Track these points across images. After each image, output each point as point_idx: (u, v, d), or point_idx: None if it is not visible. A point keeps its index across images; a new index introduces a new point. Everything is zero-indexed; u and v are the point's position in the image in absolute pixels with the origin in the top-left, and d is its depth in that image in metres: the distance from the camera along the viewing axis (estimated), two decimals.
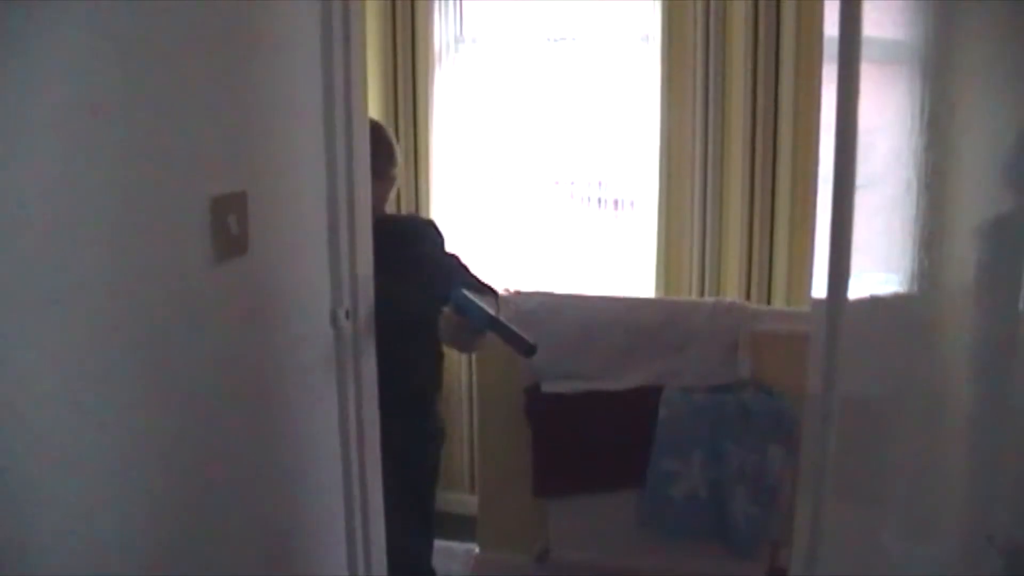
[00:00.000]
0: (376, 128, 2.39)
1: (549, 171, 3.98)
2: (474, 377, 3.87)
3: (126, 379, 1.54)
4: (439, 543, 3.68)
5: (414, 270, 2.42)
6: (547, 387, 3.19)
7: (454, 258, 2.60)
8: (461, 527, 3.69)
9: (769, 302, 3.61)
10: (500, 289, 2.42)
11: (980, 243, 1.64)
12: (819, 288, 1.84)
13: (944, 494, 1.23)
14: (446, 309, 2.21)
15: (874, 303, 1.67)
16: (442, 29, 3.89)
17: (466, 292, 2.18)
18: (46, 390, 1.36)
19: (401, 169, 2.74)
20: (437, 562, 3.54)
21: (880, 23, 1.61)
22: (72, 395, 1.41)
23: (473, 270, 2.55)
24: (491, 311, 2.13)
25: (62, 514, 1.40)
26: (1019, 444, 0.98)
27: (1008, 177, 1.54)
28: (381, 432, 2.43)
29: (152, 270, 1.58)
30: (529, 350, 2.10)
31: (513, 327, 2.12)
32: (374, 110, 3.79)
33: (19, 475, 1.32)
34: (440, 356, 2.72)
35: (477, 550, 3.40)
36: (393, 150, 2.59)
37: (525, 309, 3.15)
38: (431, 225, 2.66)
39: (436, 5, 3.86)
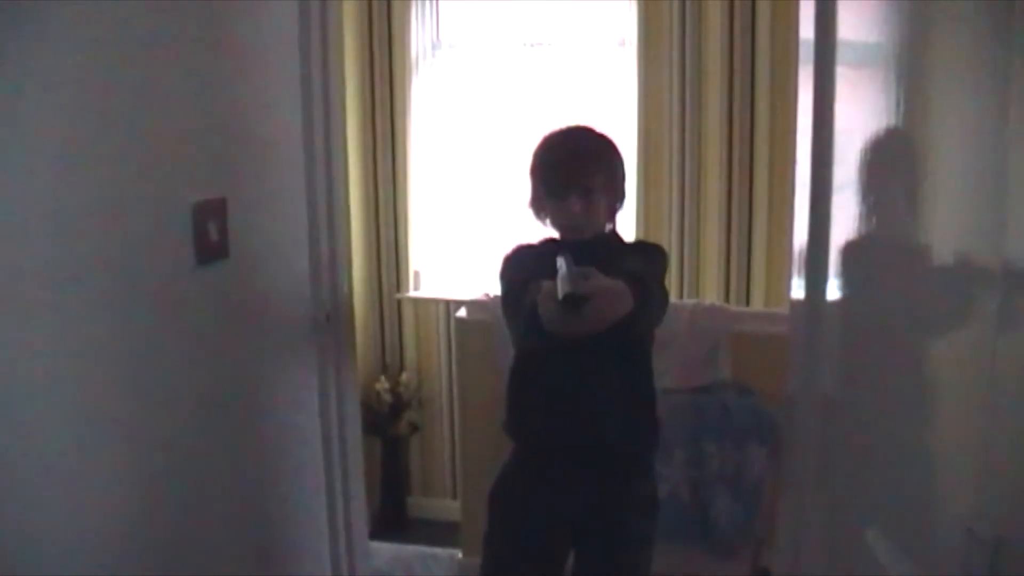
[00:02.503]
0: (619, 152, 2.11)
1: (526, 175, 3.97)
2: (454, 381, 3.87)
3: (109, 381, 1.54)
4: (422, 548, 3.69)
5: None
6: None
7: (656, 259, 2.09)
8: (443, 533, 3.69)
9: (748, 304, 3.64)
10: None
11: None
12: (798, 289, 1.86)
13: (927, 490, 1.25)
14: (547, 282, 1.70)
15: (852, 303, 1.69)
16: (419, 35, 3.89)
17: (565, 258, 1.71)
18: (31, 391, 1.36)
19: None
20: (419, 567, 3.55)
21: (854, 27, 1.63)
22: (56, 395, 1.42)
23: (653, 268, 2.02)
24: (565, 268, 1.66)
25: (47, 512, 1.40)
26: (997, 438, 1.00)
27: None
28: (564, 502, 2.03)
29: (135, 274, 1.59)
30: (567, 298, 1.59)
31: (570, 277, 1.62)
32: (352, 116, 3.79)
33: (2, 475, 1.32)
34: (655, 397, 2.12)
35: (460, 555, 3.39)
36: None
37: (501, 313, 3.15)
38: (657, 249, 2.13)
39: (413, 11, 3.86)
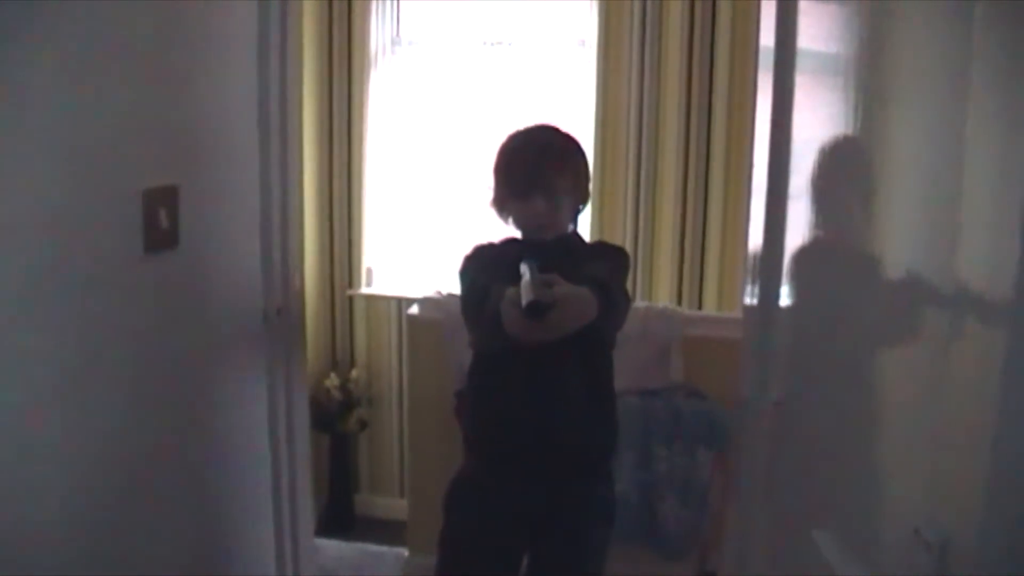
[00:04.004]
0: (584, 152, 2.10)
1: (484, 174, 3.96)
2: (404, 380, 3.85)
3: (49, 370, 1.50)
4: (368, 547, 3.66)
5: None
6: None
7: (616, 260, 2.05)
8: (391, 532, 3.67)
9: (700, 307, 3.66)
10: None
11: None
12: (751, 295, 1.88)
13: (875, 493, 1.26)
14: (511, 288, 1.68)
15: (804, 310, 1.70)
16: (379, 31, 3.86)
17: (530, 265, 1.71)
18: None
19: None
20: (365, 566, 3.52)
21: (814, 35, 1.64)
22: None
23: (617, 272, 1.98)
24: (529, 275, 1.66)
25: None
26: (944, 442, 1.01)
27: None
28: (523, 503, 2.01)
29: (82, 261, 1.55)
30: (531, 306, 1.58)
31: (533, 285, 1.62)
32: (310, 111, 3.75)
33: None
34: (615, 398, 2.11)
35: (407, 554, 3.38)
36: None
37: (456, 311, 3.14)
38: (619, 251, 2.09)
39: (373, 7, 3.83)
